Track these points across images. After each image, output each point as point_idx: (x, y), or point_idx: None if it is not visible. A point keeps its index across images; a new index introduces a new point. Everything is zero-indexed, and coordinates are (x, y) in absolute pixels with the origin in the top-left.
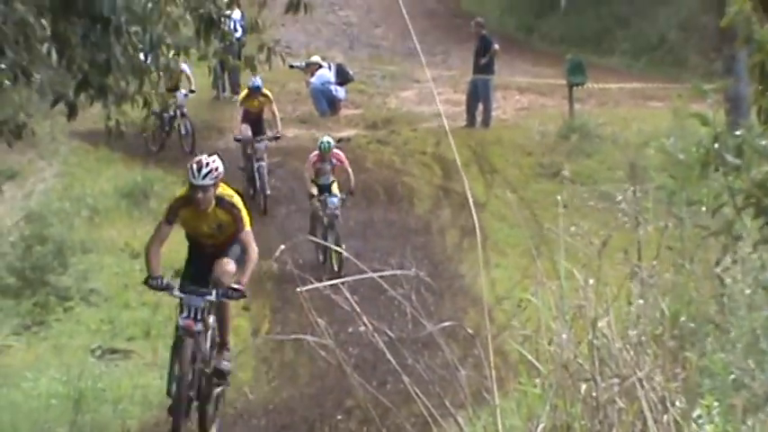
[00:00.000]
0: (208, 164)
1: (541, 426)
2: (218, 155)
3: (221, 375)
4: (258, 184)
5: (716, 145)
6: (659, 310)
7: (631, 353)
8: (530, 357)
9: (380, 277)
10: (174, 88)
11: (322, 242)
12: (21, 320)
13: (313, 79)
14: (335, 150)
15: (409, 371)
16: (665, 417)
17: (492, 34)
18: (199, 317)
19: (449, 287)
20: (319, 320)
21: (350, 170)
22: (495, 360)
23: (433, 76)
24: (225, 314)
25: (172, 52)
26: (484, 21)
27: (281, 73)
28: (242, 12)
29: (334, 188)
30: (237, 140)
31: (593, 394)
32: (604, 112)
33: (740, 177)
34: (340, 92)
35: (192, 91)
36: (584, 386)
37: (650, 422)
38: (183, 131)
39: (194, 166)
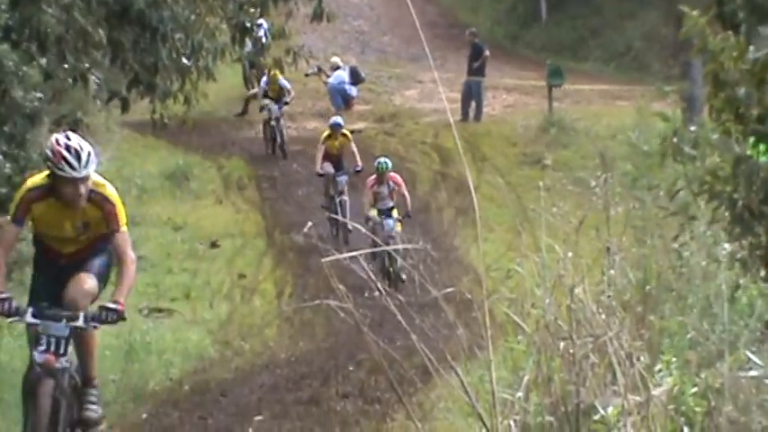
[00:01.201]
0: (83, 148)
1: (526, 378)
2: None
3: (88, 425)
4: (340, 217)
5: (674, 138)
6: (627, 280)
7: (603, 316)
8: (516, 319)
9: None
10: (276, 99)
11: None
12: None
13: (331, 79)
14: (392, 174)
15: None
16: (632, 370)
17: (483, 42)
18: (62, 350)
19: (445, 258)
20: (340, 286)
21: (406, 194)
22: (485, 321)
23: (433, 77)
24: (90, 343)
25: (210, 56)
26: (476, 30)
27: (302, 73)
28: (269, 21)
29: (395, 214)
30: (320, 175)
31: (571, 351)
32: (579, 110)
33: (695, 166)
34: (353, 90)
35: (286, 102)
36: (562, 344)
37: (619, 374)
38: (277, 139)
39: (67, 153)
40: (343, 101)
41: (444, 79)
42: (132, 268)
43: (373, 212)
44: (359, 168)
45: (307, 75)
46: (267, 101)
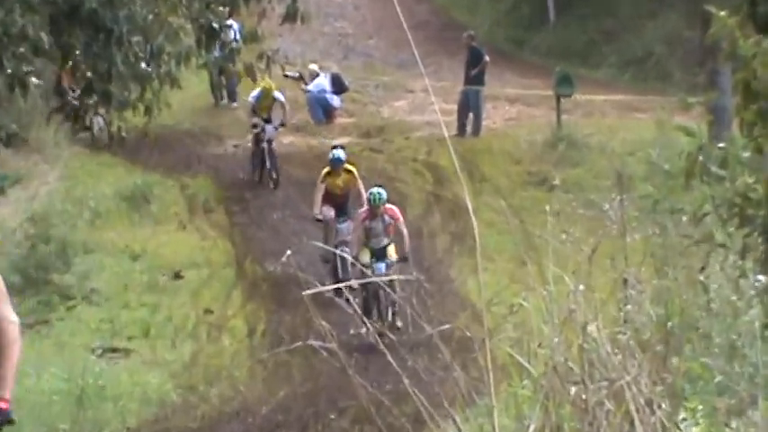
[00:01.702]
0: None
1: (532, 426)
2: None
3: None
4: (341, 275)
5: (700, 156)
6: (646, 316)
7: (619, 357)
8: (521, 360)
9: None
10: (267, 120)
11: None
12: (24, 319)
13: (310, 87)
14: (389, 206)
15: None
16: (652, 419)
17: (482, 46)
18: None
19: (439, 290)
20: (322, 323)
21: (405, 231)
22: (486, 362)
23: (425, 86)
24: None
25: (173, 61)
26: (474, 33)
27: (278, 81)
28: (240, 22)
29: (391, 252)
30: (318, 221)
31: (583, 396)
32: (591, 123)
33: (723, 188)
34: (335, 100)
35: (282, 124)
36: (573, 389)
37: (637, 424)
38: (267, 165)
39: None
40: (324, 113)
41: (438, 88)
42: (15, 342)
43: (364, 255)
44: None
45: (286, 76)
46: (257, 119)
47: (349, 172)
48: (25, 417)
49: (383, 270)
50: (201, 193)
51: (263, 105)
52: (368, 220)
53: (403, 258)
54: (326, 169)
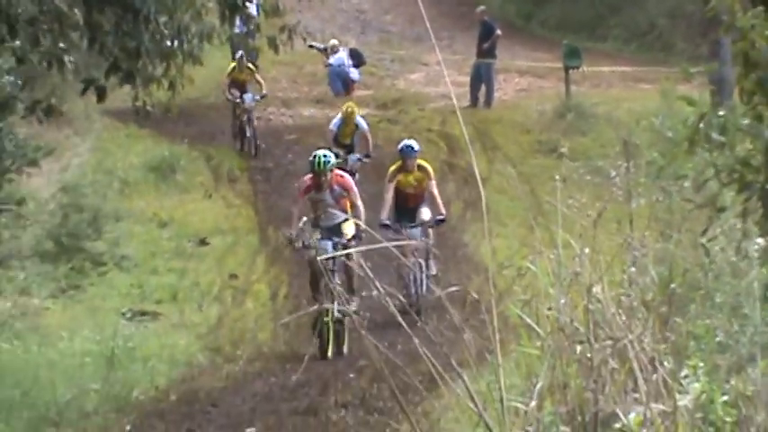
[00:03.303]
0: None
1: (540, 384)
2: None
3: None
4: (413, 290)
5: (702, 124)
6: (650, 278)
7: (623, 317)
8: (529, 321)
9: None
10: (349, 149)
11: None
12: (57, 284)
13: (331, 61)
14: (338, 171)
15: (417, 332)
16: (655, 376)
17: (494, 20)
18: None
19: (453, 255)
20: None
21: (359, 203)
22: (496, 323)
23: (439, 60)
24: None
25: (196, 39)
26: (486, 8)
27: (299, 55)
28: None
29: (348, 229)
30: (385, 226)
31: (588, 355)
32: (598, 93)
33: (724, 154)
34: (354, 73)
35: (367, 156)
36: (579, 348)
37: (641, 381)
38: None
39: None
40: (343, 85)
41: (452, 62)
42: None
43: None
44: (441, 218)
45: (311, 46)
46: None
47: (423, 168)
48: (58, 377)
49: (329, 248)
50: (226, 163)
51: (345, 132)
52: (313, 189)
53: (357, 236)
54: (397, 163)
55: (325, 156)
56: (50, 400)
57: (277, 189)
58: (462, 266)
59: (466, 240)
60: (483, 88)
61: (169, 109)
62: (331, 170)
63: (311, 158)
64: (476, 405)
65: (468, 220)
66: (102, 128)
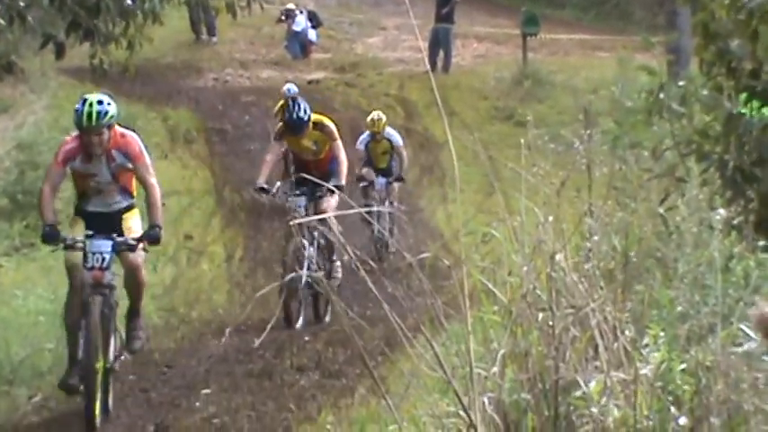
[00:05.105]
0: None
1: (501, 352)
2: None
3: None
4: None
5: (660, 94)
6: (611, 246)
7: (585, 285)
8: (491, 287)
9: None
10: (385, 173)
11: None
12: (11, 242)
13: (297, 28)
14: (120, 130)
15: (375, 296)
16: (615, 344)
17: None
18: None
19: (410, 220)
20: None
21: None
22: (455, 289)
23: (398, 24)
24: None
25: None
26: None
27: (257, 18)
28: None
29: (132, 222)
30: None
31: (550, 323)
32: (555, 61)
33: (683, 124)
34: (312, 34)
35: (399, 178)
36: (541, 315)
37: (601, 349)
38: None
39: None
40: (300, 48)
41: (410, 26)
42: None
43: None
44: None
45: (280, 20)
46: (366, 169)
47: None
48: (12, 336)
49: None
50: (182, 124)
51: (377, 151)
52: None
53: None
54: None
55: (100, 102)
56: (4, 358)
57: (234, 151)
58: (418, 231)
59: (422, 205)
60: (441, 53)
61: (127, 68)
62: (109, 127)
63: (77, 105)
64: (443, 371)
65: (424, 185)
66: (58, 86)
